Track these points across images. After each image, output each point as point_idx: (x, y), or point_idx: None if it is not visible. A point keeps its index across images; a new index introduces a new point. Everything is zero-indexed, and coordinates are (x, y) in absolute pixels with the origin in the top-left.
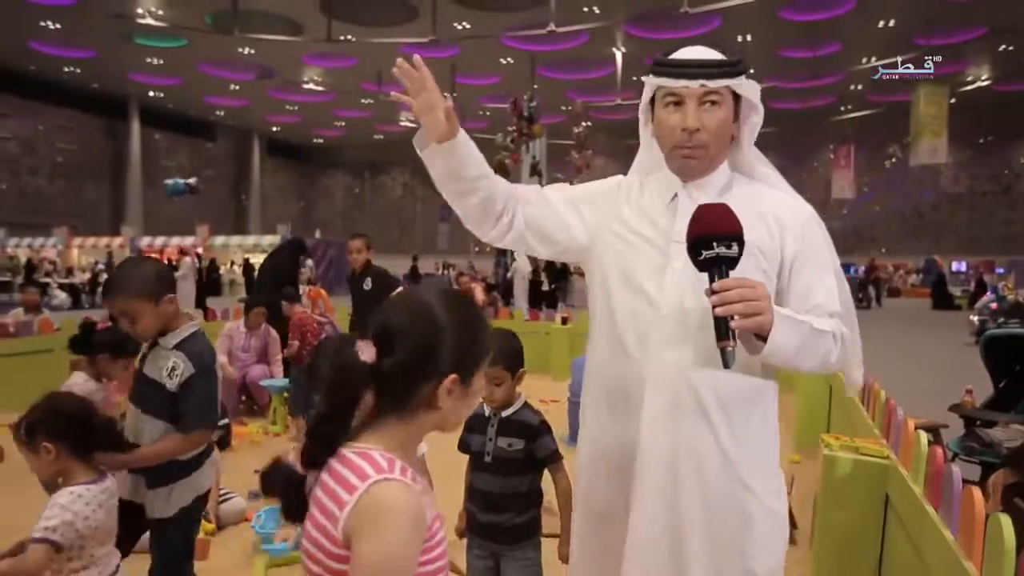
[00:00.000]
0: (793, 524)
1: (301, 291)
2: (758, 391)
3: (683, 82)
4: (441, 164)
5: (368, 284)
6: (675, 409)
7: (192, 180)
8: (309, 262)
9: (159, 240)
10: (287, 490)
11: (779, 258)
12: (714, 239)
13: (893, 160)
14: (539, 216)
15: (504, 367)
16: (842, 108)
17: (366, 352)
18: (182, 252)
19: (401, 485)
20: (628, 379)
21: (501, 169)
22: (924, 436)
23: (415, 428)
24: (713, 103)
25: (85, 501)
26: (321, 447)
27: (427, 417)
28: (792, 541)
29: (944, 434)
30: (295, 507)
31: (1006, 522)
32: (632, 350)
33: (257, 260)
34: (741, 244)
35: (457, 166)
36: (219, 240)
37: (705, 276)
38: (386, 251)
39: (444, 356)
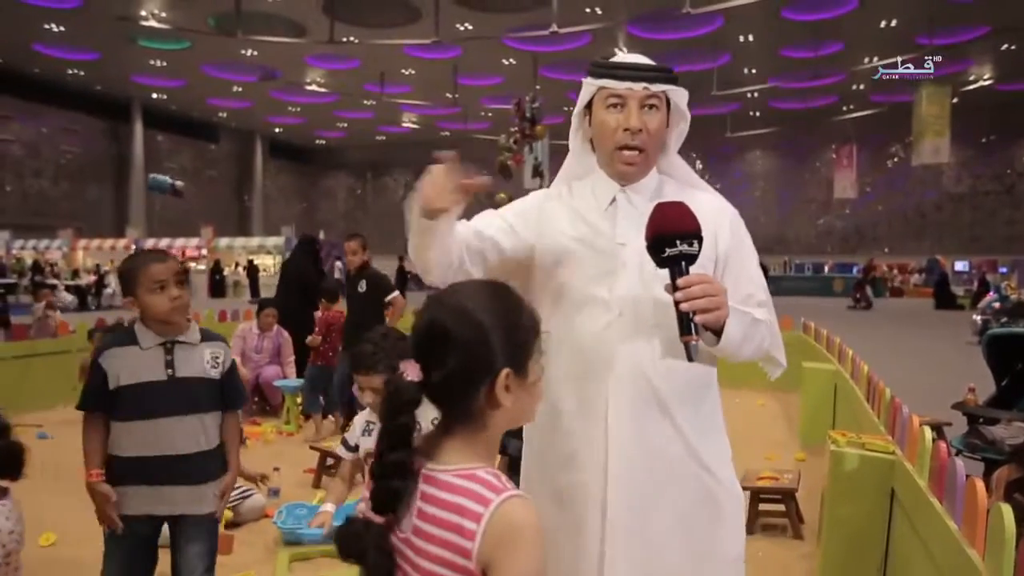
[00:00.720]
0: (800, 519)
1: None
2: (706, 380)
3: (627, 84)
4: (432, 234)
5: (363, 286)
6: (637, 404)
7: (179, 183)
8: (339, 263)
9: (164, 241)
10: (374, 550)
11: (714, 255)
12: (677, 237)
13: (895, 160)
14: (481, 250)
15: None
16: (844, 108)
17: (412, 372)
18: None
19: (521, 499)
20: (587, 381)
21: (504, 170)
22: (929, 432)
23: (491, 432)
24: (652, 107)
25: (4, 516)
26: (396, 481)
27: (497, 418)
28: (799, 536)
29: (947, 432)
30: (384, 567)
31: (1007, 511)
32: (588, 353)
33: (261, 261)
34: (701, 241)
35: (445, 235)
36: (223, 241)
37: (662, 274)
38: (390, 252)
39: (490, 354)
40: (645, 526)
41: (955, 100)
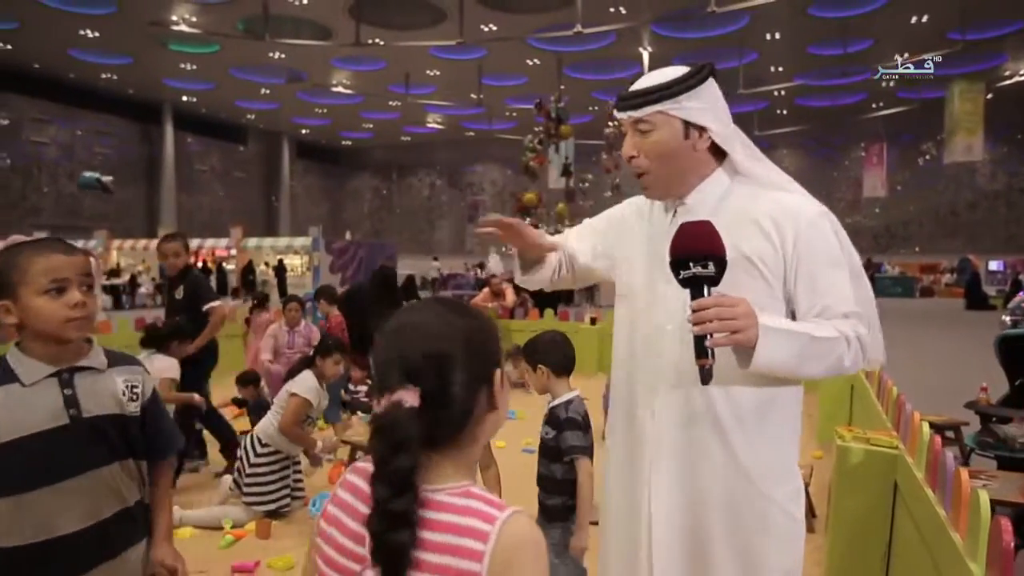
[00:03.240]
0: (812, 513)
1: None
2: (771, 399)
3: (620, 115)
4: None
5: (180, 292)
6: (686, 417)
7: (107, 178)
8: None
9: (195, 242)
10: None
11: (782, 263)
12: (691, 259)
13: (927, 158)
14: (582, 264)
15: (552, 369)
16: (873, 105)
17: (410, 397)
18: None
19: (523, 515)
20: (642, 387)
21: (527, 171)
22: (927, 426)
23: (479, 444)
24: (644, 130)
25: None
26: (404, 534)
27: (488, 424)
28: (810, 529)
29: (965, 432)
30: None
31: (983, 496)
32: (643, 361)
33: (289, 261)
34: (719, 262)
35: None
36: (252, 242)
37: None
38: (415, 252)
39: (485, 358)
40: (689, 529)
41: (989, 96)
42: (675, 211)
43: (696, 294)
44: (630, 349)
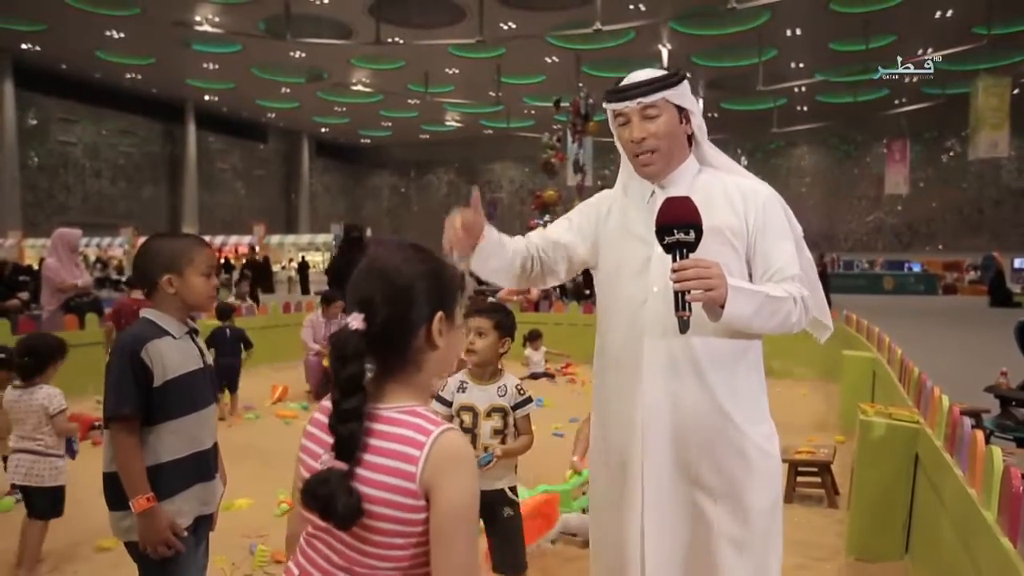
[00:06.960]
0: (835, 491)
1: None
2: (742, 348)
3: (624, 104)
4: (486, 256)
5: None
6: (671, 366)
7: None
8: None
9: (219, 239)
10: (343, 493)
11: (745, 232)
12: (675, 227)
13: (951, 154)
14: (551, 259)
15: None
16: (896, 101)
17: (355, 321)
18: None
19: (458, 433)
20: (631, 348)
21: (547, 167)
22: (947, 398)
23: (424, 375)
24: (653, 116)
25: None
26: (353, 425)
27: (431, 360)
28: (834, 505)
29: (986, 418)
30: (353, 509)
31: (996, 452)
32: (631, 325)
33: (312, 258)
34: (698, 231)
35: (496, 251)
36: (275, 239)
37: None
38: (434, 249)
39: (427, 300)
40: (679, 472)
41: (1015, 91)
42: (653, 191)
43: (677, 257)
44: (617, 312)
